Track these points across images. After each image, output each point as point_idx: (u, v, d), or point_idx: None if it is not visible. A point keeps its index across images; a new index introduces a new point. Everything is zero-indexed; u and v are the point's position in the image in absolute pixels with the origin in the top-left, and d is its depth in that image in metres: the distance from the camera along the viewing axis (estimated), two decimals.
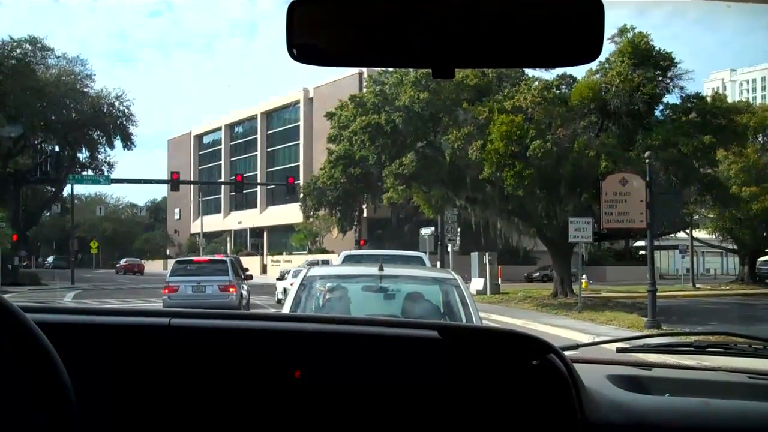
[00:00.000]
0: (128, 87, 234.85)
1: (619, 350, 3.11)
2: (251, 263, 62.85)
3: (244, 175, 74.48)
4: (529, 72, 36.92)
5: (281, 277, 37.62)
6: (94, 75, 67.44)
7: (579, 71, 36.89)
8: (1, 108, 47.38)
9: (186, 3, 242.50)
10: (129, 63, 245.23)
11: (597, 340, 3.43)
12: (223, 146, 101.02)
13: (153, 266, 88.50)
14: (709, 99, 37.94)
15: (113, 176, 59.61)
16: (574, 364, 2.14)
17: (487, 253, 43.31)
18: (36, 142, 58.33)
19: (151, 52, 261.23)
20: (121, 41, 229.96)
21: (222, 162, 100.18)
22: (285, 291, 28.33)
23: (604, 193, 28.00)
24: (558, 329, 23.92)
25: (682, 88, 34.61)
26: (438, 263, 40.08)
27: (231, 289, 26.83)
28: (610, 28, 33.87)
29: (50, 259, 72.81)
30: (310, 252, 71.59)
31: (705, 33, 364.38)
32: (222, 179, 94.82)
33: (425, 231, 44.28)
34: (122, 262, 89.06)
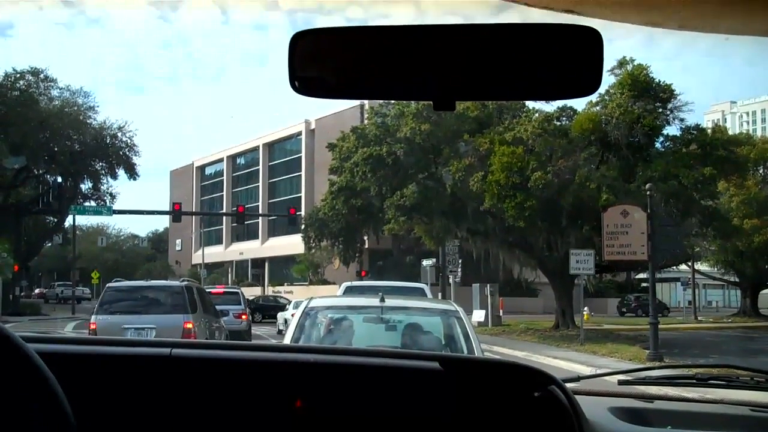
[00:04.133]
0: (131, 118, 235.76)
1: (621, 382, 3.10)
2: (252, 294, 62.70)
3: (246, 206, 74.60)
4: (530, 104, 37.09)
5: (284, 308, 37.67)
6: (97, 106, 67.57)
7: (579, 103, 37.08)
8: (4, 139, 47.46)
9: (195, 35, 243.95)
10: (133, 94, 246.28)
11: (599, 372, 3.42)
12: (224, 177, 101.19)
13: None
14: (709, 131, 38.01)
15: (115, 207, 59.56)
16: (576, 396, 2.14)
17: (488, 285, 43.21)
18: (38, 172, 58.34)
19: (156, 83, 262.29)
20: (128, 72, 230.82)
21: (224, 193, 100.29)
22: (286, 322, 28.45)
23: (606, 225, 28.00)
24: (560, 361, 23.82)
25: (682, 120, 34.76)
26: (439, 294, 40.01)
27: (243, 317, 29.38)
28: (615, 59, 34.14)
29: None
30: (311, 283, 71.48)
31: (715, 64, 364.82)
32: (224, 210, 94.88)
33: (426, 262, 44.21)
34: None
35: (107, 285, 19.23)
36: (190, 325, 17.21)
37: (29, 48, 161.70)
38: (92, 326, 17.69)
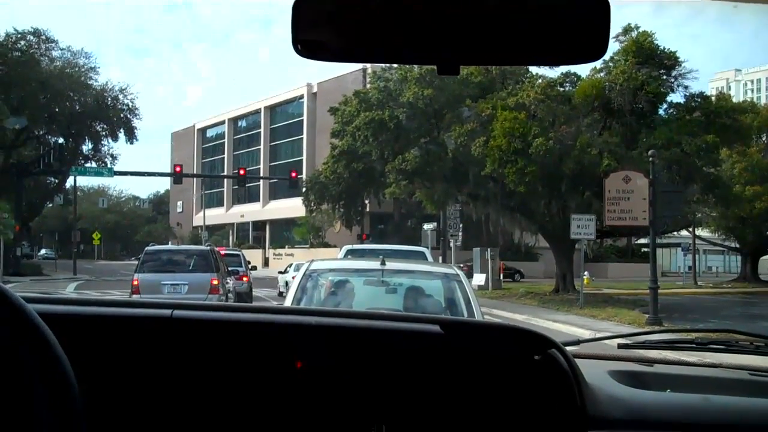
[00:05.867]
0: (134, 80, 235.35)
1: (621, 346, 3.11)
2: (253, 256, 62.84)
3: (247, 168, 74.53)
4: (533, 69, 36.97)
5: (285, 270, 37.75)
6: (98, 68, 67.10)
7: (583, 69, 36.89)
8: (5, 100, 47.29)
9: None
10: (136, 56, 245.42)
11: (598, 336, 3.43)
12: (226, 140, 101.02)
13: None
14: (713, 98, 37.84)
15: (116, 168, 59.55)
16: (576, 360, 2.15)
17: (489, 249, 43.28)
18: (39, 133, 58.23)
19: (159, 46, 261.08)
20: (132, 34, 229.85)
21: (225, 156, 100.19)
22: (287, 284, 28.55)
23: (607, 190, 27.99)
24: (559, 325, 23.93)
25: (686, 87, 34.63)
26: (440, 258, 40.10)
27: (244, 278, 30.40)
28: (621, 27, 33.92)
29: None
30: (312, 246, 71.63)
31: (723, 32, 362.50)
32: (225, 173, 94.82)
33: (427, 226, 44.30)
34: None
35: (146, 249, 22.81)
36: (216, 282, 20.73)
37: (32, 9, 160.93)
38: (135, 283, 20.58)
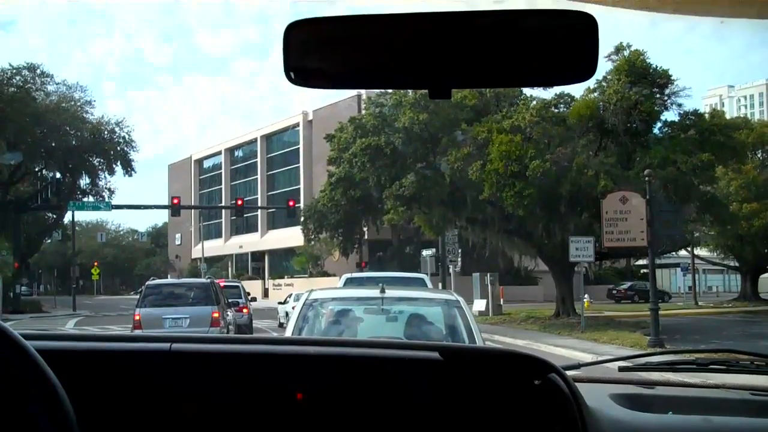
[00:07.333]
0: (131, 111, 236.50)
1: (622, 369, 3.10)
2: (252, 287, 62.71)
3: (245, 199, 74.58)
4: (527, 91, 37.07)
5: (284, 301, 37.67)
6: (94, 101, 67.17)
7: (577, 90, 37.00)
8: (1, 135, 47.35)
9: (196, 27, 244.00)
10: (133, 88, 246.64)
11: (599, 359, 3.41)
12: (223, 170, 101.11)
13: None
14: (707, 116, 37.94)
15: (114, 202, 59.49)
16: (577, 384, 2.13)
17: (488, 274, 43.19)
18: (36, 168, 58.24)
19: (155, 77, 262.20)
20: (128, 65, 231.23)
21: (222, 186, 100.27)
22: (287, 315, 28.50)
23: (605, 211, 27.98)
24: (561, 349, 23.85)
25: (679, 105, 34.72)
26: (440, 284, 40.00)
27: (244, 310, 30.28)
28: (613, 46, 34.09)
29: None
30: (311, 275, 71.51)
31: (717, 48, 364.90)
32: (222, 203, 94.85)
33: (426, 252, 44.23)
34: None
35: (147, 283, 22.79)
36: (216, 314, 20.81)
37: (30, 43, 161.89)
38: (136, 317, 20.63)
